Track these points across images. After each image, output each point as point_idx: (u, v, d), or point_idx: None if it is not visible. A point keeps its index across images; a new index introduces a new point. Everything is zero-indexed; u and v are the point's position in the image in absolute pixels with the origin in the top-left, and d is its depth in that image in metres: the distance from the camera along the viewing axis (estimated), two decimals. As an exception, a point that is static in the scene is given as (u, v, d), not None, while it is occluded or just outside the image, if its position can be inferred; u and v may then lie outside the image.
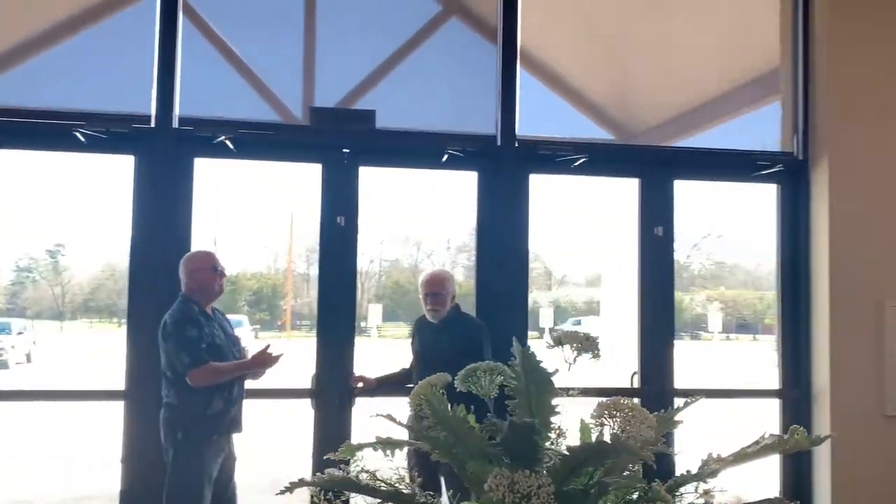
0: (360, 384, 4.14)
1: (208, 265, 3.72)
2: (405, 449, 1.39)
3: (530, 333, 4.67)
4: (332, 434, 4.10)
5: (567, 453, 1.07)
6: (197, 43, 4.18)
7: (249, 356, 3.76)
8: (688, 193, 4.50)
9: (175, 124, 4.01)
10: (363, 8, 4.50)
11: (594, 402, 1.17)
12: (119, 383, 3.94)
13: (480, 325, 4.06)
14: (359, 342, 4.39)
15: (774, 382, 4.54)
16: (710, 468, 1.16)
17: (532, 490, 1.00)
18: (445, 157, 4.24)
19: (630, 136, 4.71)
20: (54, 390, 5.36)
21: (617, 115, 4.82)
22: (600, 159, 4.37)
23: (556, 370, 1.19)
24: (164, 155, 3.98)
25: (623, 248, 5.58)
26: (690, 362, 4.50)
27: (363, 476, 1.23)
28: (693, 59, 4.73)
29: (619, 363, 4.46)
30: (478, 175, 4.34)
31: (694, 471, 1.19)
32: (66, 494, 6.75)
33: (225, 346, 3.69)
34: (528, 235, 4.33)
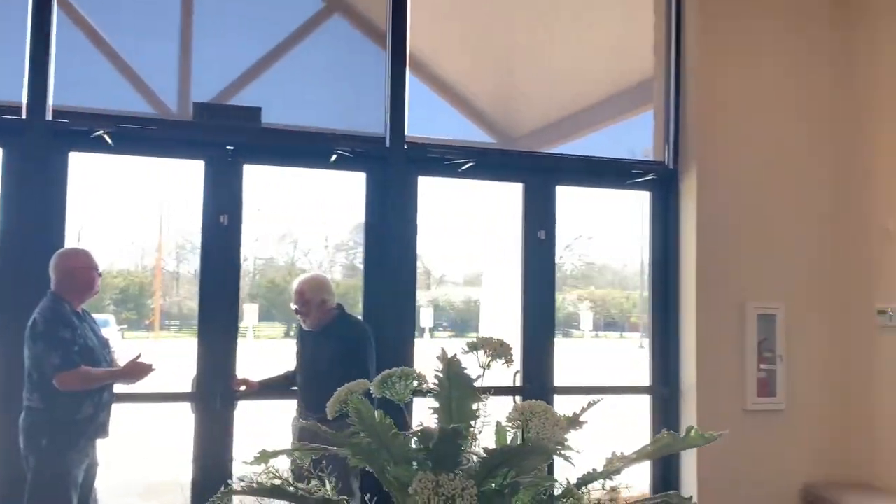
0: (243, 387, 4.07)
1: (91, 264, 3.57)
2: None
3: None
4: (213, 438, 4.01)
5: (486, 455, 1.12)
6: (70, 32, 3.98)
7: (119, 360, 3.63)
8: (569, 197, 4.67)
9: (49, 116, 3.81)
10: (242, 1, 4.42)
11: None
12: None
13: (361, 328, 4.08)
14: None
15: (641, 377, 4.80)
16: (614, 466, 1.23)
17: (456, 492, 1.04)
18: (334, 157, 4.23)
19: (511, 140, 4.84)
20: None
21: (499, 120, 4.93)
22: (487, 164, 4.48)
23: (479, 376, 1.24)
24: (36, 148, 3.78)
25: (504, 250, 5.72)
26: (565, 360, 4.67)
27: (276, 482, 1.23)
28: (574, 67, 4.89)
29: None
30: (366, 176, 4.35)
31: (598, 468, 1.26)
32: None
33: (97, 348, 3.55)
34: (417, 237, 4.38)
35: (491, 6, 4.79)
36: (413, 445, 1.13)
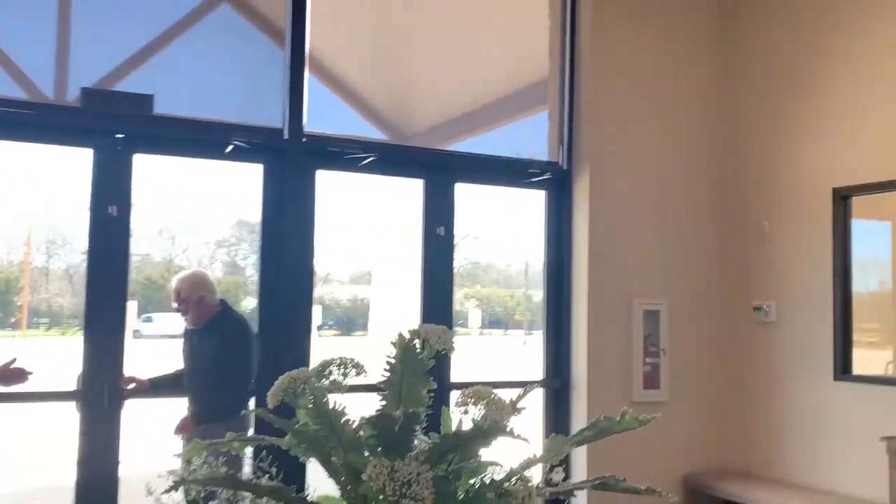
0: (132, 385, 3.93)
1: None
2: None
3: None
4: (99, 437, 3.84)
5: (438, 441, 1.12)
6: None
7: None
8: (469, 195, 4.73)
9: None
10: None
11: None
12: None
13: (240, 324, 4.17)
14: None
15: (529, 372, 4.92)
16: (555, 451, 1.27)
17: (412, 477, 1.04)
18: (230, 147, 4.12)
19: (407, 138, 4.85)
20: None
21: (396, 119, 4.94)
22: (388, 159, 4.47)
23: (433, 362, 1.24)
24: None
25: (396, 248, 5.73)
26: (456, 356, 4.74)
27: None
28: (471, 67, 4.96)
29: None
30: (263, 168, 4.26)
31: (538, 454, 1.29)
32: None
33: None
34: (314, 231, 4.33)
35: (387, 3, 4.79)
36: (362, 433, 1.13)
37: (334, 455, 1.13)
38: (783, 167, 4.71)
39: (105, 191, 3.93)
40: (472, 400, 1.21)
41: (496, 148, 4.77)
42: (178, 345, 4.32)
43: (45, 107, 3.88)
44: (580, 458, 4.52)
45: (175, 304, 4.16)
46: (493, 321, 15.51)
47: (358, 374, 1.34)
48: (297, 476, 1.40)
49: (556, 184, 4.83)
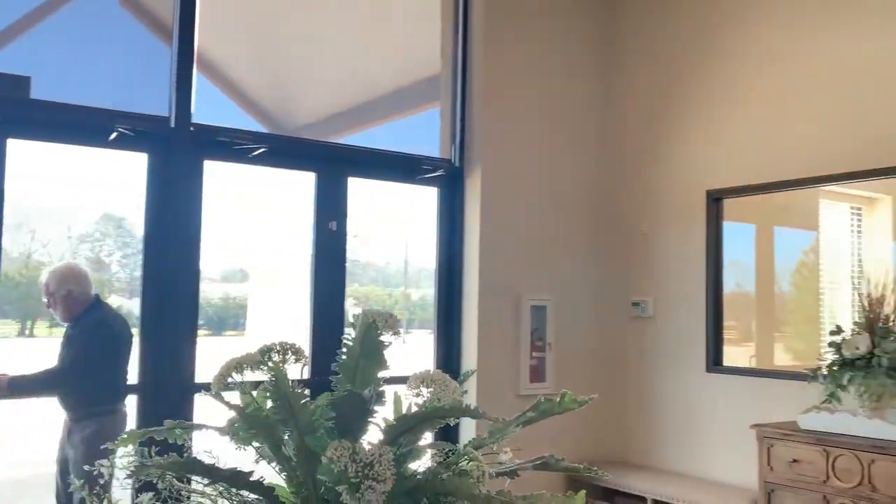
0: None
1: None
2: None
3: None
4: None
5: (394, 422, 1.12)
6: None
7: None
8: (360, 189, 4.70)
9: None
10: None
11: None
12: None
13: (114, 320, 4.01)
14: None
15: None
16: (501, 431, 1.29)
17: (374, 458, 1.04)
18: (114, 135, 3.93)
19: (292, 130, 4.77)
20: None
21: (280, 110, 4.85)
22: (279, 151, 4.38)
23: (391, 343, 1.24)
24: None
25: (281, 243, 5.62)
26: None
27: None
28: (363, 60, 4.94)
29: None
30: (148, 157, 4.09)
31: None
32: None
33: None
34: (201, 223, 4.19)
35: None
36: (322, 414, 1.11)
37: (288, 439, 1.11)
38: (661, 170, 4.96)
39: (-27, 177, 3.66)
40: (424, 382, 1.21)
41: (392, 143, 4.77)
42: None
43: None
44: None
45: (44, 299, 3.96)
46: (371, 320, 15.53)
47: (297, 360, 1.32)
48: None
49: (449, 181, 4.88)
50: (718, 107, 4.70)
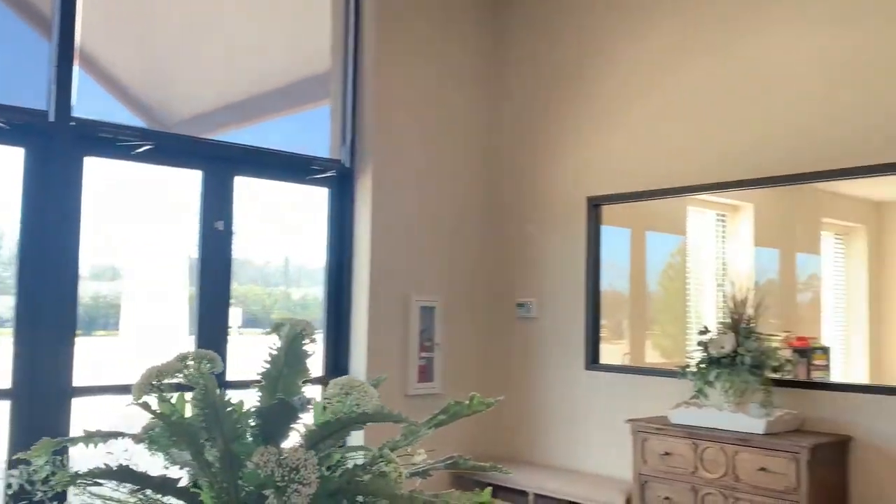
0: None
1: None
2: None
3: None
4: None
5: (315, 427, 1.16)
6: None
7: None
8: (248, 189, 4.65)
9: None
10: None
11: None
12: None
13: None
14: None
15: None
16: (413, 434, 1.35)
17: (300, 462, 1.08)
18: (-13, 128, 3.73)
19: (171, 125, 4.67)
20: None
21: (161, 104, 4.73)
22: (165, 148, 4.28)
23: (314, 352, 1.27)
24: None
25: (159, 242, 5.48)
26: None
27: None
28: (251, 53, 4.87)
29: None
30: (25, 152, 3.91)
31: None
32: None
33: None
34: (80, 222, 4.04)
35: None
36: (250, 421, 1.14)
37: (212, 446, 1.13)
38: (545, 176, 5.15)
39: None
40: (344, 388, 1.26)
41: (283, 141, 4.74)
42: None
43: None
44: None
45: None
46: (250, 320, 15.22)
47: (212, 368, 1.34)
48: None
49: (339, 182, 4.90)
50: (599, 119, 4.93)
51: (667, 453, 3.98)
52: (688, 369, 4.04)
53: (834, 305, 4.27)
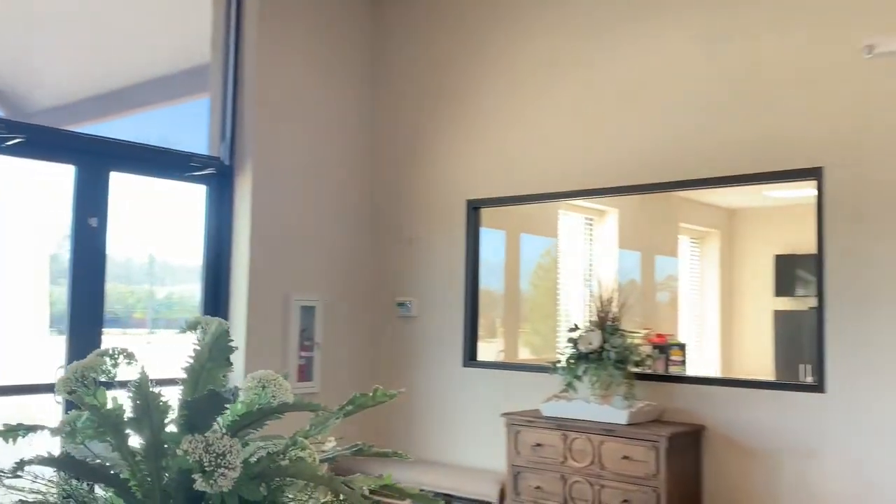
0: None
1: None
2: None
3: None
4: None
5: (238, 417, 1.23)
6: None
7: None
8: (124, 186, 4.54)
9: None
10: None
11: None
12: None
13: None
14: None
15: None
16: (322, 423, 1.44)
17: (226, 448, 1.15)
18: None
19: (31, 114, 4.50)
20: None
21: (23, 90, 4.56)
22: (36, 142, 4.12)
23: (237, 347, 1.33)
24: None
25: (14, 238, 5.26)
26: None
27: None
28: (124, 42, 4.76)
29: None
30: None
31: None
32: None
33: None
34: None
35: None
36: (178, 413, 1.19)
37: (139, 436, 1.18)
38: (426, 179, 5.29)
39: None
40: (262, 382, 1.34)
41: (158, 136, 4.65)
42: None
43: None
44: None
45: None
46: (111, 319, 14.61)
47: (129, 363, 1.39)
48: None
49: (218, 180, 4.86)
50: (478, 124, 5.11)
51: (538, 444, 4.20)
52: (558, 364, 4.27)
53: (689, 304, 4.64)
